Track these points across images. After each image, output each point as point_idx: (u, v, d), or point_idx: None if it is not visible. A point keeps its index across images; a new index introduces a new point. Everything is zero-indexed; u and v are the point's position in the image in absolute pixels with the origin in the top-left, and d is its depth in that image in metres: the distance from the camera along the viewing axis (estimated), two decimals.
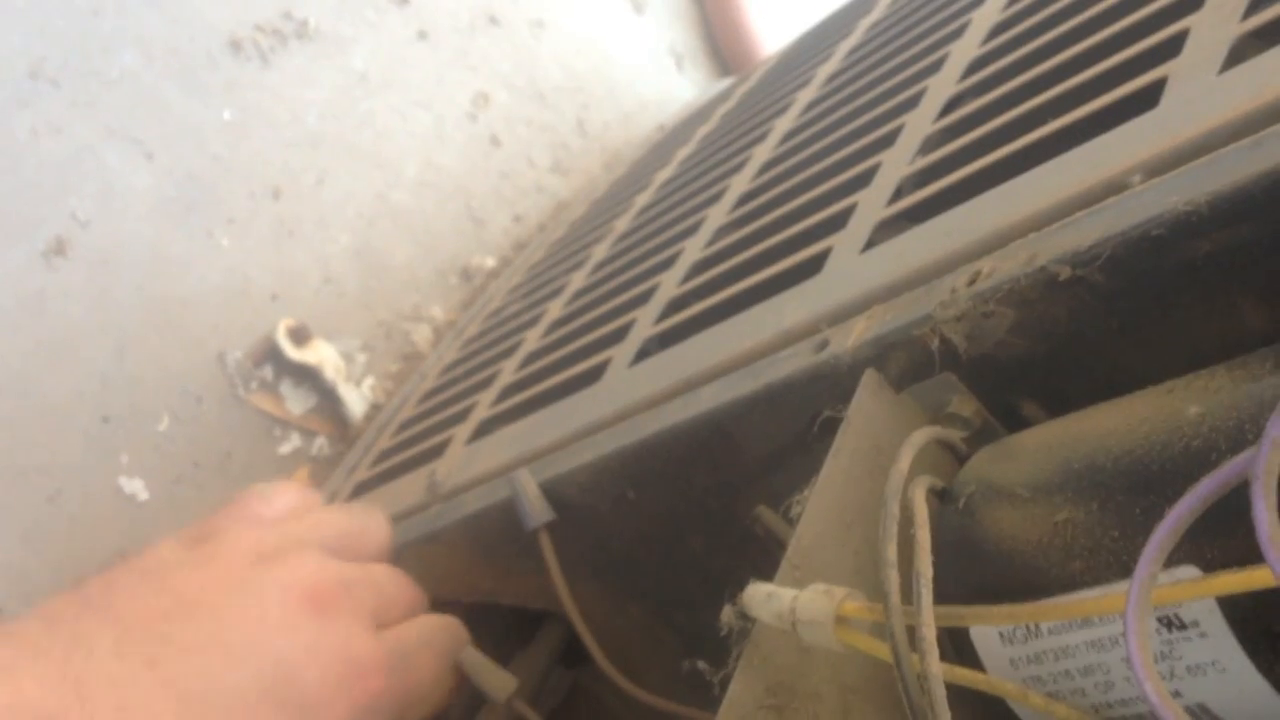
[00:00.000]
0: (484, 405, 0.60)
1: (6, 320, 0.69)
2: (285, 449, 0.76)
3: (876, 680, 0.30)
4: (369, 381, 0.81)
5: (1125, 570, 0.26)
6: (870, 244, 0.42)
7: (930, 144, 0.46)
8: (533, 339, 0.64)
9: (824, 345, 0.38)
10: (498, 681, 0.47)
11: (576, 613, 0.47)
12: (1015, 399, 0.34)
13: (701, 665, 0.32)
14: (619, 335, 0.54)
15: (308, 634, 0.42)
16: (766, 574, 0.30)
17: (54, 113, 0.74)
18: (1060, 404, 0.33)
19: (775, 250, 0.49)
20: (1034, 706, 0.27)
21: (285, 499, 0.49)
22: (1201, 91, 0.34)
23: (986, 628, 0.29)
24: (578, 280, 0.67)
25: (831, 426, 0.34)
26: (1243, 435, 0.25)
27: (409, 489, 0.59)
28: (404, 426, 0.68)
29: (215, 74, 0.81)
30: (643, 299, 0.55)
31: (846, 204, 0.46)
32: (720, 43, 1.11)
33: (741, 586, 0.30)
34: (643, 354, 0.50)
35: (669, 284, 0.54)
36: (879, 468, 0.33)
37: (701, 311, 0.49)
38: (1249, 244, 0.29)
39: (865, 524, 0.32)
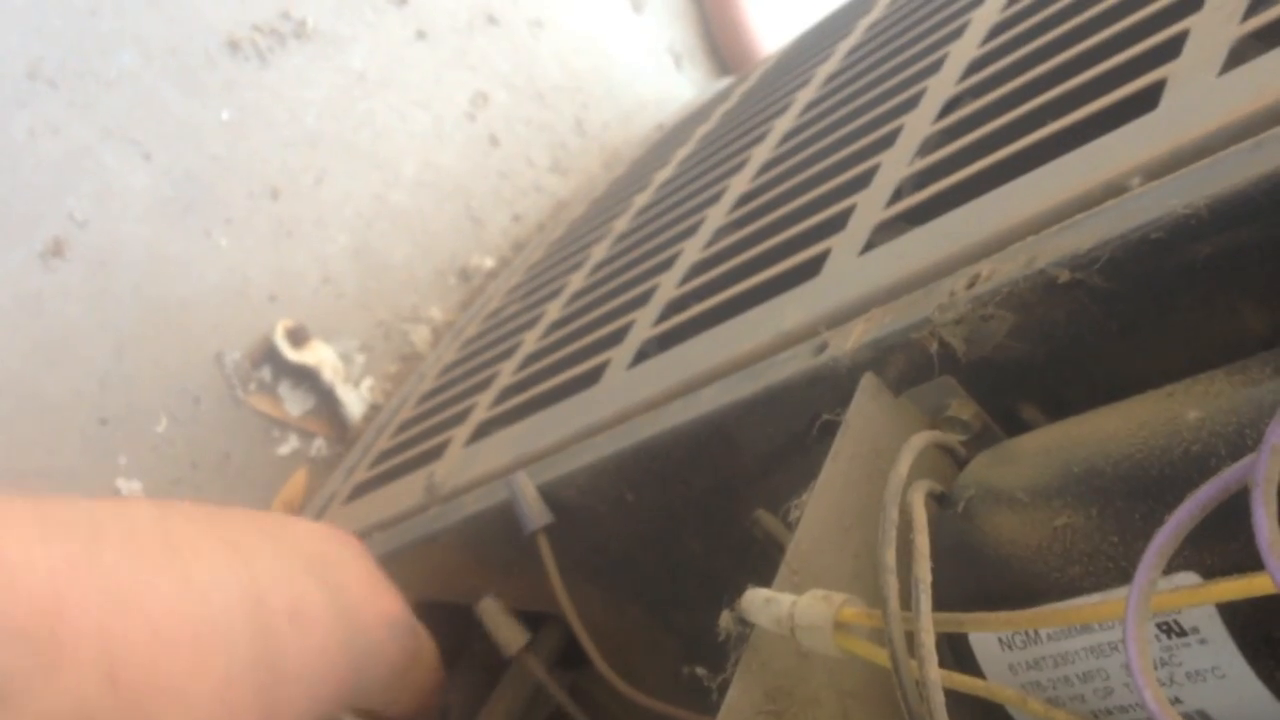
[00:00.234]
0: (483, 407, 0.60)
1: (4, 321, 0.69)
2: (284, 450, 0.76)
3: (875, 686, 0.30)
4: (367, 382, 0.80)
5: (1125, 576, 0.26)
6: (869, 246, 0.42)
7: (929, 145, 0.46)
8: (531, 340, 0.63)
9: (823, 348, 0.38)
10: (510, 634, 0.48)
11: (575, 615, 0.47)
12: (1014, 402, 0.34)
13: (700, 671, 0.31)
14: (618, 337, 0.53)
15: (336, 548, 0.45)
16: (765, 577, 0.30)
17: (52, 113, 0.74)
18: (1059, 408, 0.33)
19: (774, 252, 0.49)
20: (1033, 712, 0.27)
21: None
22: (1201, 93, 0.33)
23: (986, 633, 0.29)
24: (576, 281, 0.67)
25: (830, 429, 0.34)
26: (1243, 440, 0.25)
27: (408, 491, 0.58)
28: (403, 428, 0.68)
29: (213, 74, 0.81)
30: (642, 300, 0.55)
31: (845, 205, 0.46)
32: (719, 42, 1.11)
33: (740, 591, 0.30)
34: (641, 356, 0.50)
35: (668, 285, 0.54)
36: (878, 471, 0.32)
37: (700, 313, 0.49)
38: (1249, 247, 0.29)
39: (864, 528, 0.32)
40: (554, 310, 0.65)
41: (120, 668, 0.35)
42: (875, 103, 0.54)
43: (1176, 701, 0.26)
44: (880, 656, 0.27)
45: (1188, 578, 0.24)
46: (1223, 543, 0.24)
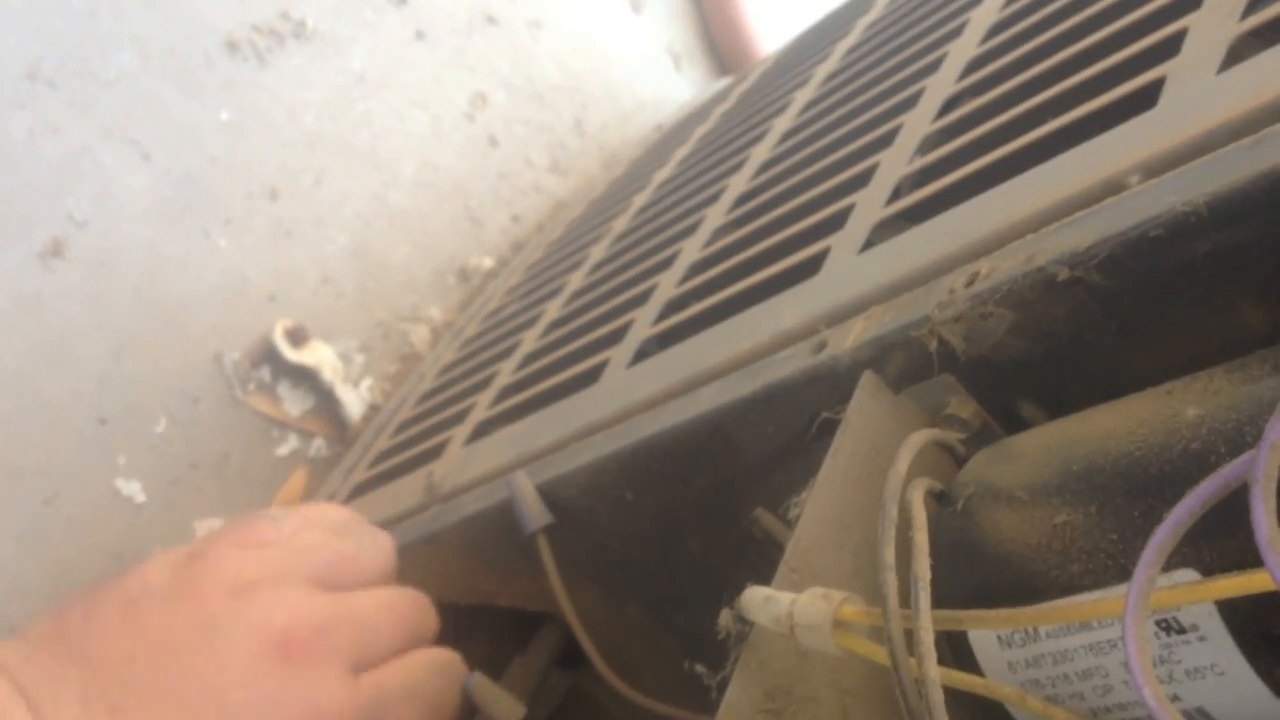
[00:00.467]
0: (482, 406, 0.60)
1: (3, 321, 0.69)
2: (283, 450, 0.76)
3: (874, 684, 0.30)
4: (367, 382, 0.80)
5: (1124, 573, 0.26)
6: (869, 244, 0.42)
7: (928, 144, 0.46)
8: (531, 340, 0.63)
9: (822, 346, 0.38)
10: (505, 710, 0.46)
11: (574, 615, 0.47)
12: (1014, 400, 0.34)
13: (699, 669, 0.31)
14: (617, 336, 0.53)
15: (272, 684, 0.41)
16: (764, 576, 0.30)
17: (51, 113, 0.74)
18: (1059, 405, 0.33)
19: (773, 251, 0.49)
20: (1032, 710, 0.27)
21: (292, 524, 0.47)
22: (1200, 91, 0.33)
23: (985, 631, 0.29)
24: (576, 281, 0.67)
25: (830, 428, 0.34)
26: (1242, 438, 0.25)
27: (407, 490, 0.58)
28: (402, 428, 0.68)
29: (212, 74, 0.81)
30: (641, 299, 0.55)
31: (845, 204, 0.46)
32: (718, 42, 1.11)
33: (739, 589, 0.30)
34: (641, 355, 0.50)
35: (667, 285, 0.54)
36: (877, 469, 0.32)
37: (699, 312, 0.49)
38: (1248, 245, 0.29)
39: (863, 526, 0.32)
40: (553, 310, 0.65)
41: None
42: (874, 102, 0.54)
43: (1175, 699, 0.26)
44: (879, 654, 0.27)
45: (1187, 575, 0.24)
46: (1222, 540, 0.24)
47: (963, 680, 0.27)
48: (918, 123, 0.48)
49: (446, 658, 0.47)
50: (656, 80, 1.06)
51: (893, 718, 0.27)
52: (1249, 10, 0.36)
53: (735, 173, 0.61)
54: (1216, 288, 0.30)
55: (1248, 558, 0.21)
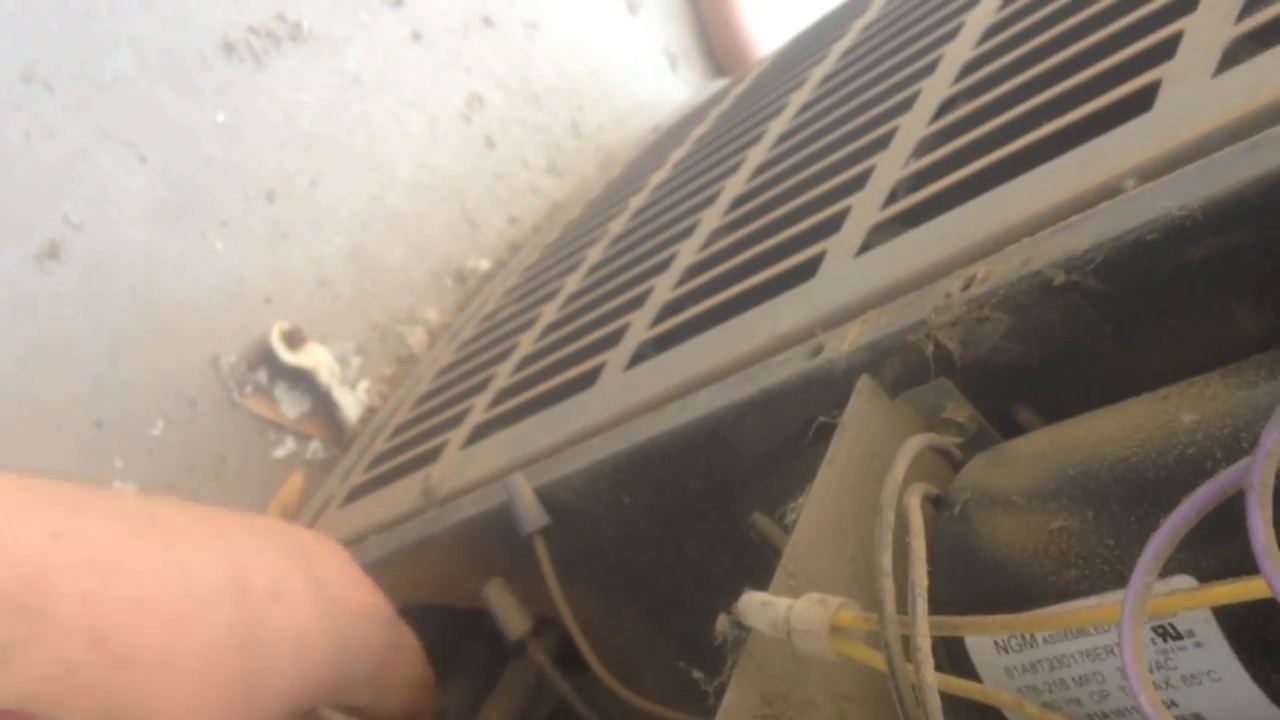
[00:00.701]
0: (479, 409, 0.60)
1: None
2: (280, 453, 0.76)
3: (871, 690, 0.30)
4: (364, 385, 0.80)
5: (1120, 579, 0.26)
6: (865, 248, 0.42)
7: (924, 147, 0.46)
8: (527, 342, 0.63)
9: (819, 350, 0.37)
10: (514, 621, 0.49)
11: (571, 617, 0.47)
12: (1010, 405, 0.34)
13: (697, 674, 0.31)
14: (614, 339, 0.53)
15: None
16: (762, 579, 0.30)
17: (47, 116, 0.74)
18: (1055, 410, 0.33)
19: (770, 254, 0.49)
20: (1029, 716, 0.27)
21: None
22: (1196, 94, 0.33)
23: (982, 637, 0.29)
24: (572, 283, 0.67)
25: (826, 432, 0.34)
26: (1238, 443, 0.25)
27: (404, 493, 0.58)
28: (399, 430, 0.68)
29: (209, 76, 0.81)
30: (637, 302, 0.55)
31: (841, 207, 0.46)
32: (715, 43, 1.11)
33: (736, 594, 0.30)
34: (638, 358, 0.50)
35: (664, 287, 0.54)
36: (874, 474, 0.32)
37: (696, 315, 0.49)
38: (1244, 249, 0.29)
39: (860, 531, 0.32)
40: (550, 312, 0.65)
41: (104, 632, 0.36)
42: (870, 104, 0.54)
43: (1172, 705, 0.26)
44: (876, 660, 0.26)
45: (1183, 581, 0.24)
46: (1218, 546, 0.24)
47: (959, 686, 0.27)
48: (914, 125, 0.48)
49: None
50: (653, 82, 1.06)
51: None
52: (1245, 13, 0.36)
53: (732, 175, 0.61)
54: (1212, 292, 0.30)
55: (1244, 564, 0.21)
